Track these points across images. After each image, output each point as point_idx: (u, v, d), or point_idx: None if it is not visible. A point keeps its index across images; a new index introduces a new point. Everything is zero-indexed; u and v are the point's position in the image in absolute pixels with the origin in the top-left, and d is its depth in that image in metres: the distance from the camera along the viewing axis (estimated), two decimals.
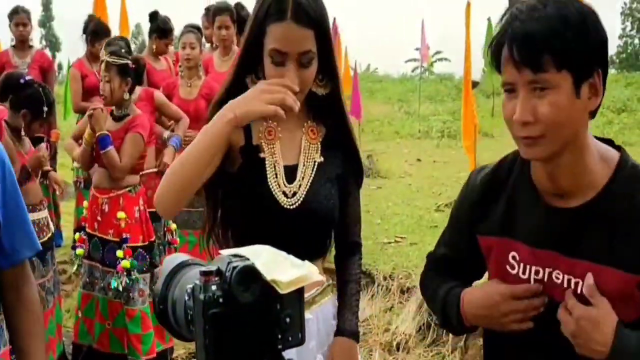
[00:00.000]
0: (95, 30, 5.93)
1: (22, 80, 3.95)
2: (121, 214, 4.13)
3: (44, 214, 4.02)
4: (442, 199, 8.61)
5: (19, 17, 6.46)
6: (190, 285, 1.03)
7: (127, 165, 4.14)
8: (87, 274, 4.23)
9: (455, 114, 16.26)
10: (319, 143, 2.05)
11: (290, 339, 1.07)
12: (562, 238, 1.62)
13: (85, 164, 4.34)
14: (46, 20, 40.08)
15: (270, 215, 1.96)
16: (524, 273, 1.68)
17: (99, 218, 4.16)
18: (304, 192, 1.98)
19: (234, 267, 1.00)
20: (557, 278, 1.63)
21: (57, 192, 4.32)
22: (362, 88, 14.12)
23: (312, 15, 1.85)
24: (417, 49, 37.69)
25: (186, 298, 1.04)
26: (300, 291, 1.06)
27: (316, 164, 2.03)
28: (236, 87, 1.97)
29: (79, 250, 4.21)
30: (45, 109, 3.98)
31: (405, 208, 8.21)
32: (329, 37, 1.93)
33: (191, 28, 5.36)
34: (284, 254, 1.10)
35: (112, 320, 4.17)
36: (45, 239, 3.98)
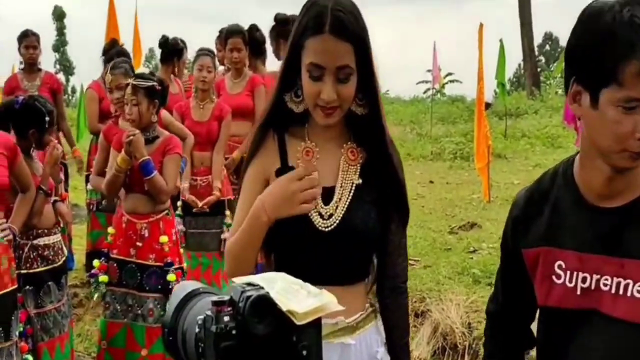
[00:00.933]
0: (115, 55, 5.94)
1: (16, 105, 3.92)
2: (164, 238, 4.07)
3: (57, 237, 3.99)
4: (456, 221, 8.52)
5: (28, 40, 6.48)
6: (202, 316, 0.97)
7: (172, 187, 4.12)
8: (117, 302, 4.10)
9: (467, 135, 16.17)
10: (358, 165, 1.97)
11: None
12: (609, 238, 1.60)
13: (114, 192, 4.19)
14: (60, 44, 40.46)
15: (307, 238, 1.91)
16: (570, 281, 1.65)
17: (138, 244, 4.05)
18: (341, 214, 1.90)
19: (248, 297, 0.94)
20: (605, 285, 1.60)
21: (62, 224, 4.21)
22: None
23: (351, 29, 1.81)
24: (428, 71, 37.72)
25: (197, 330, 0.98)
26: (317, 321, 1.00)
27: (354, 185, 1.94)
28: (278, 106, 1.95)
29: (103, 277, 4.08)
30: (47, 118, 3.93)
31: (419, 230, 8.12)
32: (370, 54, 1.87)
33: (206, 51, 5.35)
34: (299, 282, 1.04)
35: (150, 347, 4.06)
36: (60, 262, 3.95)
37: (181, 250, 4.59)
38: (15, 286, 3.48)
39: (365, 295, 2.01)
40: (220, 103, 5.29)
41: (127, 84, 4.05)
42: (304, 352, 0.99)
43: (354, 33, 1.81)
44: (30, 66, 6.51)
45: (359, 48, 1.83)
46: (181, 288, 1.11)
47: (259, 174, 1.98)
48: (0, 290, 3.34)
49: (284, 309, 0.95)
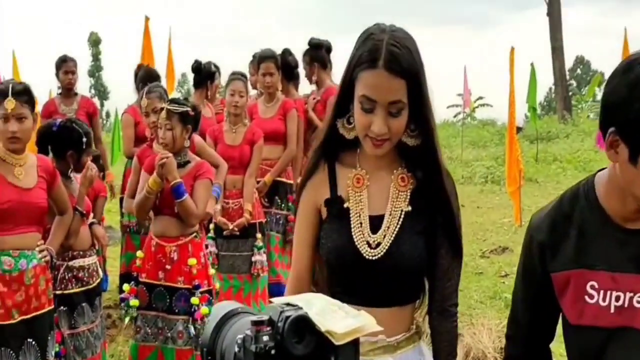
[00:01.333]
0: (145, 76, 6.02)
1: (54, 128, 3.98)
2: (192, 261, 4.07)
3: (93, 259, 4.04)
4: (487, 245, 8.47)
5: (67, 65, 6.60)
6: (241, 336, 0.98)
7: (203, 211, 4.13)
8: (148, 326, 4.09)
9: (498, 159, 16.07)
10: (408, 191, 1.96)
11: None
12: None
13: (144, 213, 4.21)
14: (95, 70, 41.15)
15: (354, 267, 1.92)
16: (604, 300, 1.67)
17: (167, 267, 4.04)
18: (388, 243, 1.90)
19: (287, 317, 0.95)
20: (639, 302, 1.64)
21: (97, 246, 4.24)
22: None
23: (405, 66, 1.80)
24: (459, 95, 37.65)
25: (236, 349, 1.00)
26: (355, 342, 1.00)
27: (403, 213, 1.94)
28: (331, 131, 1.98)
29: (134, 302, 4.09)
30: (85, 139, 3.99)
31: None
32: (423, 88, 1.87)
33: (239, 75, 5.39)
34: (337, 302, 1.04)
35: None
36: (95, 284, 3.99)
37: (212, 271, 4.61)
38: (52, 307, 3.52)
39: (411, 316, 2.01)
40: (252, 127, 5.33)
41: (162, 108, 4.09)
42: None
43: (407, 69, 1.81)
44: (68, 91, 6.62)
45: (412, 83, 1.82)
46: (220, 308, 1.12)
47: (310, 202, 2.02)
48: (38, 310, 3.38)
49: (323, 329, 0.96)
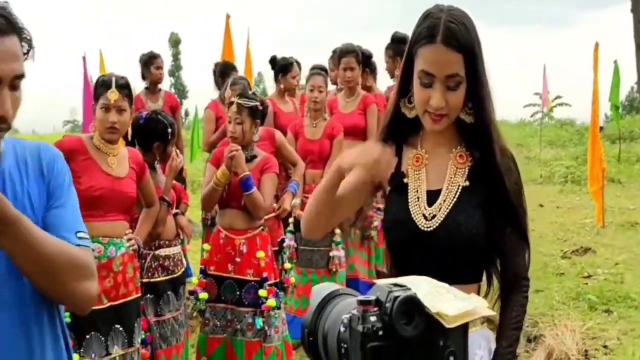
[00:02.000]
0: (223, 70, 6.09)
1: (141, 121, 4.05)
2: (260, 253, 4.10)
3: (178, 249, 4.10)
4: (568, 245, 8.23)
5: (157, 61, 6.77)
6: (347, 316, 0.96)
7: (269, 204, 4.16)
8: (217, 318, 4.12)
9: (578, 159, 15.66)
10: (466, 168, 2.00)
11: None
12: None
13: (211, 205, 4.29)
14: (175, 69, 42.03)
15: (411, 239, 1.96)
16: None
17: (237, 259, 4.07)
18: (443, 215, 1.94)
19: (395, 297, 0.92)
20: None
21: (181, 236, 4.30)
22: None
23: (462, 41, 1.86)
24: (536, 94, 36.86)
25: (341, 329, 0.97)
26: (465, 327, 0.97)
27: (460, 187, 1.97)
28: (397, 112, 2.04)
29: (203, 295, 4.13)
30: (170, 130, 4.05)
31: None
32: (479, 64, 1.91)
33: (319, 70, 5.38)
34: (445, 285, 1.01)
35: None
36: (179, 273, 4.05)
37: (289, 265, 4.62)
38: (139, 294, 3.59)
39: None
40: (332, 121, 5.32)
41: (232, 102, 4.12)
42: (451, 358, 0.96)
43: (464, 44, 1.86)
44: (155, 86, 6.76)
45: (469, 58, 1.88)
46: (321, 289, 1.10)
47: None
48: (126, 297, 3.45)
49: (434, 311, 0.92)
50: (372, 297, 0.94)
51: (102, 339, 3.31)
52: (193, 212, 7.38)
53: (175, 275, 4.00)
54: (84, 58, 8.05)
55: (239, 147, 3.99)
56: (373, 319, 0.92)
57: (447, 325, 0.93)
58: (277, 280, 4.20)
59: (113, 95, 3.37)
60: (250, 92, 4.37)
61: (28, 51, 1.60)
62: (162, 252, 3.93)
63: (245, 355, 4.06)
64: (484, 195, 1.97)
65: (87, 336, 3.27)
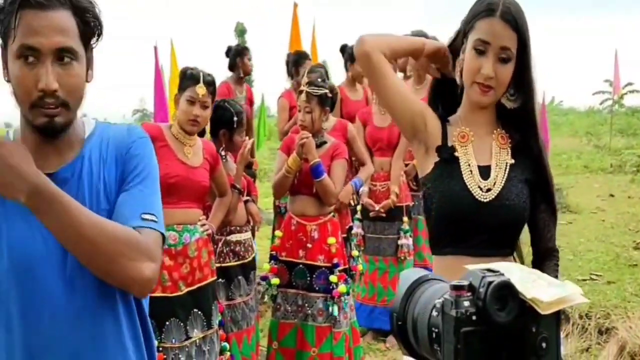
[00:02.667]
0: (296, 60, 6.15)
1: None
2: (331, 239, 4.16)
3: (248, 235, 4.20)
4: None
5: (249, 53, 6.91)
6: (439, 300, 0.96)
7: (340, 191, 4.20)
8: (288, 303, 4.21)
9: None
10: (508, 148, 2.14)
11: None
12: None
13: (282, 192, 4.31)
14: None
15: (467, 211, 2.06)
16: None
17: (308, 245, 4.15)
18: (499, 188, 2.07)
19: (489, 283, 0.92)
20: None
21: (252, 223, 4.36)
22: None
23: (518, 22, 2.00)
24: (606, 81, 35.81)
25: (434, 314, 0.98)
26: (557, 314, 0.96)
27: (508, 165, 2.11)
28: (439, 86, 2.26)
29: (274, 280, 4.21)
30: (236, 118, 4.10)
31: (600, 245, 7.74)
32: (528, 50, 2.03)
33: None
34: (536, 272, 1.01)
35: (319, 346, 4.13)
36: (250, 259, 4.15)
37: (356, 253, 4.64)
38: (215, 277, 3.68)
39: None
40: None
41: (301, 91, 4.16)
42: (543, 345, 0.96)
43: (520, 25, 2.00)
44: (241, 79, 6.88)
45: (521, 40, 2.01)
46: (410, 274, 1.11)
47: (423, 122, 2.15)
48: (202, 281, 3.54)
49: (528, 296, 0.92)
50: (465, 282, 0.94)
51: (181, 324, 3.41)
52: (260, 200, 7.46)
53: (245, 261, 4.09)
54: (155, 48, 8.15)
55: (310, 135, 4.02)
56: (466, 304, 0.93)
57: (542, 312, 0.93)
58: (346, 266, 4.23)
59: (201, 90, 3.48)
60: (325, 80, 4.40)
61: (93, 32, 1.63)
62: (233, 237, 4.03)
63: (315, 340, 4.12)
64: (526, 173, 2.12)
65: (167, 323, 3.36)
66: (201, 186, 3.54)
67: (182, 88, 3.54)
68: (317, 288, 4.14)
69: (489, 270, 0.96)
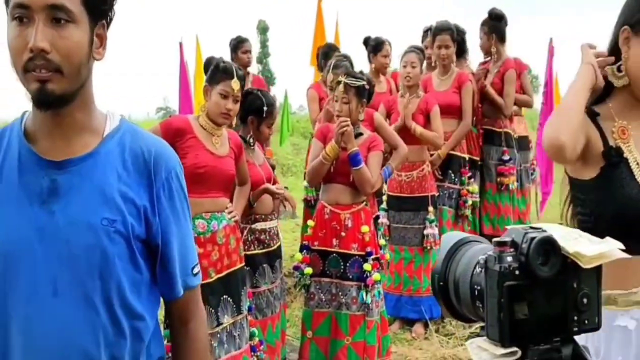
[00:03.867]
0: (325, 52, 6.17)
1: None
2: (365, 228, 4.16)
3: (274, 223, 4.22)
4: None
5: (246, 45, 6.89)
6: (483, 257, 0.99)
7: (376, 180, 4.21)
8: (322, 292, 4.19)
9: None
10: None
11: (586, 321, 1.00)
12: None
13: (318, 179, 4.26)
14: (263, 56, 42.46)
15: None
16: None
17: (342, 234, 4.14)
18: None
19: (532, 238, 0.95)
20: None
21: (286, 209, 4.39)
22: None
23: None
24: None
25: (477, 270, 1.00)
26: (598, 271, 0.98)
27: None
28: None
29: (308, 270, 4.16)
30: (266, 108, 4.12)
31: None
32: None
33: (414, 48, 5.36)
34: (577, 230, 1.03)
35: (353, 335, 4.13)
36: (275, 247, 4.16)
37: (383, 242, 4.65)
38: (243, 264, 3.72)
39: None
40: (425, 97, 5.30)
41: (339, 82, 4.15)
42: (584, 300, 0.98)
43: None
44: (244, 70, 6.89)
45: None
46: (451, 237, 1.13)
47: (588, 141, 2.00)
48: (231, 267, 3.58)
49: (570, 251, 0.95)
50: (508, 239, 0.97)
51: (212, 310, 3.45)
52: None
53: (270, 249, 4.12)
54: (180, 44, 8.21)
55: (349, 122, 4.02)
56: (509, 259, 0.95)
57: (584, 266, 0.95)
58: (377, 255, 4.24)
59: (236, 85, 3.53)
60: (356, 71, 4.41)
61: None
62: (258, 225, 4.06)
63: (349, 329, 4.12)
64: None
65: None
66: (229, 175, 3.59)
67: (214, 80, 3.56)
68: (350, 276, 4.14)
69: (531, 227, 0.98)
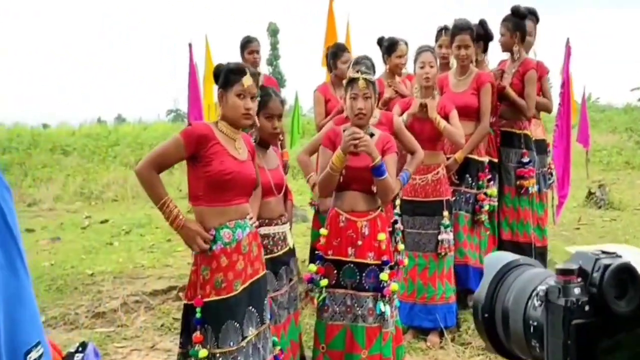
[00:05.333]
0: (334, 52, 6.02)
1: None
2: (382, 235, 3.97)
3: (280, 228, 4.00)
4: None
5: (252, 45, 6.72)
6: (542, 287, 0.81)
7: (395, 186, 4.05)
8: (336, 304, 4.00)
9: None
10: None
11: None
12: None
13: (330, 190, 4.05)
14: (273, 59, 42.43)
15: None
16: None
17: (359, 242, 3.95)
18: None
19: (606, 266, 0.77)
20: None
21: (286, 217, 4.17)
22: None
23: None
24: None
25: (535, 303, 0.83)
26: None
27: None
28: None
29: (323, 282, 3.97)
30: (258, 98, 3.93)
31: None
32: None
33: (427, 47, 5.16)
34: None
35: (370, 348, 3.94)
36: (279, 253, 3.95)
37: (402, 247, 4.48)
38: (265, 271, 3.53)
39: None
40: (443, 100, 5.09)
41: (356, 78, 3.95)
42: None
43: None
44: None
45: None
46: (496, 259, 0.96)
47: None
48: (254, 275, 3.40)
49: None
50: (574, 266, 0.79)
51: (237, 325, 3.28)
52: (294, 197, 7.34)
53: (274, 255, 3.89)
54: (190, 45, 8.09)
55: (362, 132, 3.82)
56: (577, 291, 0.78)
57: None
58: (392, 263, 4.06)
59: (248, 80, 3.36)
60: (374, 72, 4.25)
61: None
62: (262, 230, 3.82)
63: (366, 342, 3.93)
64: None
65: (223, 326, 3.24)
66: (252, 179, 3.45)
67: (227, 84, 3.39)
68: (367, 287, 3.94)
69: (602, 251, 0.81)
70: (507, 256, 0.95)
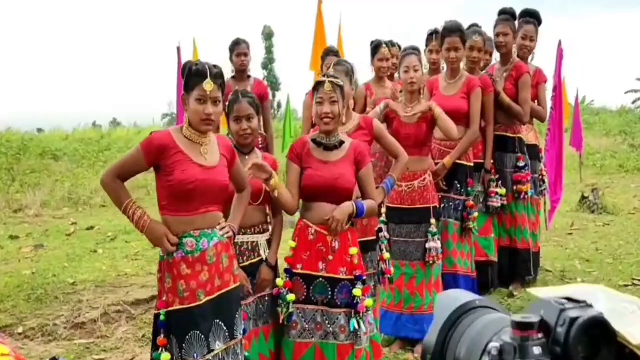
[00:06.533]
0: (324, 53, 5.95)
1: None
2: (353, 250, 3.79)
3: (249, 237, 3.82)
4: None
5: (240, 47, 6.58)
6: (495, 345, 0.66)
7: (378, 200, 3.95)
8: (306, 321, 3.80)
9: None
10: None
11: None
12: None
13: (288, 209, 3.87)
14: (268, 62, 42.25)
15: None
16: None
17: (330, 257, 3.75)
18: None
19: (573, 319, 0.62)
20: None
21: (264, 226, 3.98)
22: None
23: None
24: (638, 79, 35.14)
25: None
26: None
27: None
28: None
29: (290, 297, 3.77)
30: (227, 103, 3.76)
31: None
32: None
33: (412, 50, 5.00)
34: (622, 296, 0.71)
35: None
36: (246, 263, 3.78)
37: (388, 255, 4.35)
38: (238, 284, 3.38)
39: None
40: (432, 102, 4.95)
41: (322, 82, 3.79)
42: None
43: None
44: (241, 73, 6.60)
45: None
46: (449, 299, 0.81)
47: None
48: (222, 288, 3.24)
49: (633, 342, 0.62)
50: (534, 319, 0.64)
51: (203, 337, 3.14)
52: None
53: (241, 265, 3.69)
54: (178, 48, 7.96)
55: (267, 166, 3.60)
56: (537, 351, 0.63)
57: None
58: (365, 277, 3.87)
59: (209, 86, 3.17)
60: (353, 75, 4.10)
61: None
62: (238, 238, 3.65)
63: None
64: None
65: (187, 336, 3.11)
66: (221, 186, 3.28)
67: (189, 87, 3.23)
68: (339, 303, 3.76)
69: (569, 299, 0.66)
70: (462, 296, 0.80)
